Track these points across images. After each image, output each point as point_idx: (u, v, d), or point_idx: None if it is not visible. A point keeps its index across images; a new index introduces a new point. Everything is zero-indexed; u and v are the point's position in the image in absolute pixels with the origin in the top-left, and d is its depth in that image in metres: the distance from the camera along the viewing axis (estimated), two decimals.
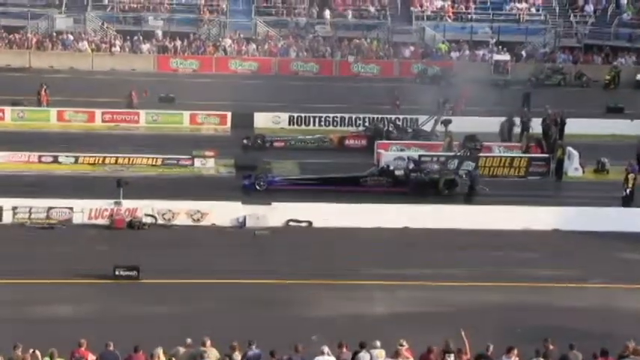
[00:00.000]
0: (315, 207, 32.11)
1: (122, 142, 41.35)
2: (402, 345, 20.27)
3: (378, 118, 44.45)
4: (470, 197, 34.88)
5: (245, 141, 41.53)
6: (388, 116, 44.74)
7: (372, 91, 51.86)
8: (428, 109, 43.27)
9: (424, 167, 36.45)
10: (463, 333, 20.44)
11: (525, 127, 41.98)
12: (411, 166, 36.16)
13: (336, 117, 45.56)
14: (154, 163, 38.15)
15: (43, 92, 46.47)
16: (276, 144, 41.82)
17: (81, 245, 29.39)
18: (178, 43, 59.65)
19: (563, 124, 42.57)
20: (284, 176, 36.71)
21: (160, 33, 60.46)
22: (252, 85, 53.93)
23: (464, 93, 47.54)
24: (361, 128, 43.80)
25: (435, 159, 37.76)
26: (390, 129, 42.61)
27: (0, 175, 36.02)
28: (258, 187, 35.07)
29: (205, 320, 23.69)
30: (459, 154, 36.98)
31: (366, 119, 44.68)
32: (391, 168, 36.15)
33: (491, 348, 20.30)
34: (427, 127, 42.29)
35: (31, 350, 19.42)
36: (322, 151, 41.45)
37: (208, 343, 20.06)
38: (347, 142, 42.29)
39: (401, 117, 44.79)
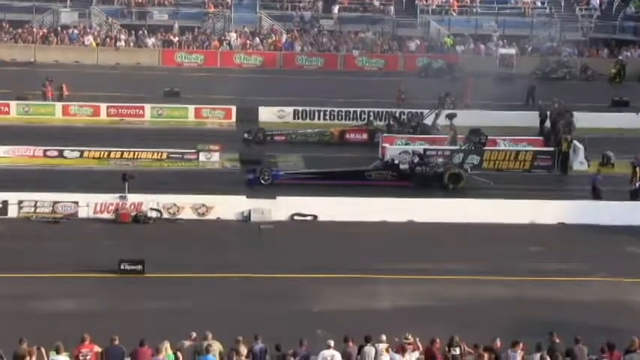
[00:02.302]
0: (320, 201, 32.11)
1: (127, 136, 41.36)
2: (407, 339, 20.29)
3: (394, 111, 44.18)
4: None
5: (246, 135, 41.50)
6: (391, 110, 44.70)
7: (376, 85, 51.80)
8: (431, 103, 43.27)
9: (429, 161, 36.44)
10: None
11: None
12: (416, 160, 36.12)
13: (341, 111, 45.53)
14: (159, 158, 38.16)
15: (48, 86, 46.49)
16: (276, 138, 41.77)
17: (86, 239, 29.42)
18: (183, 37, 59.69)
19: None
20: (288, 170, 36.70)
21: (176, 26, 60.28)
22: (257, 79, 53.91)
23: (467, 86, 47.54)
24: (362, 122, 43.75)
25: (439, 153, 37.76)
26: (391, 122, 42.61)
27: (5, 170, 36.07)
28: (263, 182, 35.04)
29: (210, 314, 23.72)
30: (463, 147, 36.93)
31: (371, 113, 44.61)
32: (396, 162, 36.11)
33: (498, 342, 20.32)
34: (428, 121, 42.29)
35: (34, 347, 19.46)
36: (323, 144, 41.43)
37: (210, 336, 20.09)
38: (347, 135, 42.27)
39: (406, 111, 44.73)
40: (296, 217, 31.66)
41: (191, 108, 45.70)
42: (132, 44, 59.52)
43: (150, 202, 31.33)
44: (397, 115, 43.78)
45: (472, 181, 35.75)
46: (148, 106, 45.39)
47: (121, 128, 43.42)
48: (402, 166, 35.82)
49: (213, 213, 31.54)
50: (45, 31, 59.57)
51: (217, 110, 45.72)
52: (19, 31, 59.25)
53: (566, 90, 51.39)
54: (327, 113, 45.58)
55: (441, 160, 36.95)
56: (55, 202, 31.15)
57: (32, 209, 31.12)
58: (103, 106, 45.16)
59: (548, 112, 42.64)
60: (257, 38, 60.21)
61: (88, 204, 31.22)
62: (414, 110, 44.29)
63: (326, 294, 25.73)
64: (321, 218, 31.62)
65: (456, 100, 44.49)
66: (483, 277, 27.21)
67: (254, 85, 51.51)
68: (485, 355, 19.69)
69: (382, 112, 44.66)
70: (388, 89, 49.08)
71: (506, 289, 26.45)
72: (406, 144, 39.56)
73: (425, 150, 37.80)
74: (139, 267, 26.52)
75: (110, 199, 31.30)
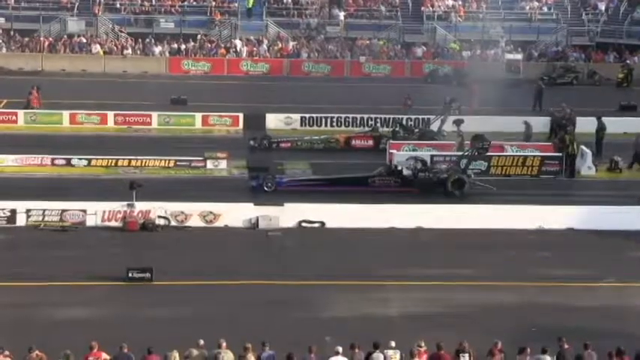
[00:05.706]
0: (328, 208, 32.09)
1: (134, 144, 41.41)
2: (420, 346, 20.25)
3: (400, 118, 44.13)
4: None
5: (251, 142, 41.54)
6: (396, 116, 44.69)
7: (383, 91, 51.79)
8: (436, 109, 43.27)
9: (432, 167, 36.37)
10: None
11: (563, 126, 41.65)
12: (419, 166, 36.05)
13: (348, 117, 45.55)
14: (166, 165, 38.20)
15: (35, 94, 46.22)
16: (282, 145, 41.77)
17: (94, 247, 29.44)
18: (190, 44, 59.80)
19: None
20: (292, 177, 36.68)
21: (199, 37, 60.31)
22: (264, 86, 53.97)
23: (474, 92, 47.50)
24: (366, 129, 43.74)
25: (446, 159, 37.72)
26: (397, 129, 42.58)
27: (13, 178, 36.14)
28: (266, 188, 35.00)
29: (218, 322, 23.72)
30: (466, 153, 36.87)
31: (378, 119, 44.60)
32: (399, 168, 36.05)
33: (499, 344, 20.30)
34: (434, 127, 42.29)
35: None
36: (329, 151, 41.43)
37: (224, 344, 20.09)
38: (353, 142, 42.28)
39: (412, 117, 44.71)
40: (304, 224, 31.65)
41: (198, 115, 45.74)
42: (139, 52, 59.65)
43: (158, 210, 31.36)
44: (403, 121, 43.75)
45: (475, 187, 35.65)
46: (155, 114, 45.43)
47: (128, 136, 43.48)
48: (405, 173, 35.75)
49: (221, 220, 31.54)
50: (52, 39, 59.72)
51: (224, 117, 45.76)
52: (27, 40, 59.40)
53: (574, 95, 51.37)
54: (335, 120, 45.60)
55: (444, 166, 36.89)
56: (63, 211, 31.19)
57: (40, 218, 31.17)
58: (111, 114, 45.21)
59: (559, 116, 42.62)
60: (263, 45, 60.29)
61: (96, 212, 31.24)
62: (420, 116, 44.34)
63: (334, 300, 25.71)
64: (328, 225, 31.60)
65: (462, 105, 44.44)
66: (492, 283, 27.18)
67: (261, 92, 51.59)
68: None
69: (389, 118, 44.64)
70: (395, 95, 49.10)
71: (514, 295, 26.40)
72: (413, 150, 39.54)
73: (432, 156, 37.76)
74: (148, 275, 26.52)
75: (118, 207, 31.32)
